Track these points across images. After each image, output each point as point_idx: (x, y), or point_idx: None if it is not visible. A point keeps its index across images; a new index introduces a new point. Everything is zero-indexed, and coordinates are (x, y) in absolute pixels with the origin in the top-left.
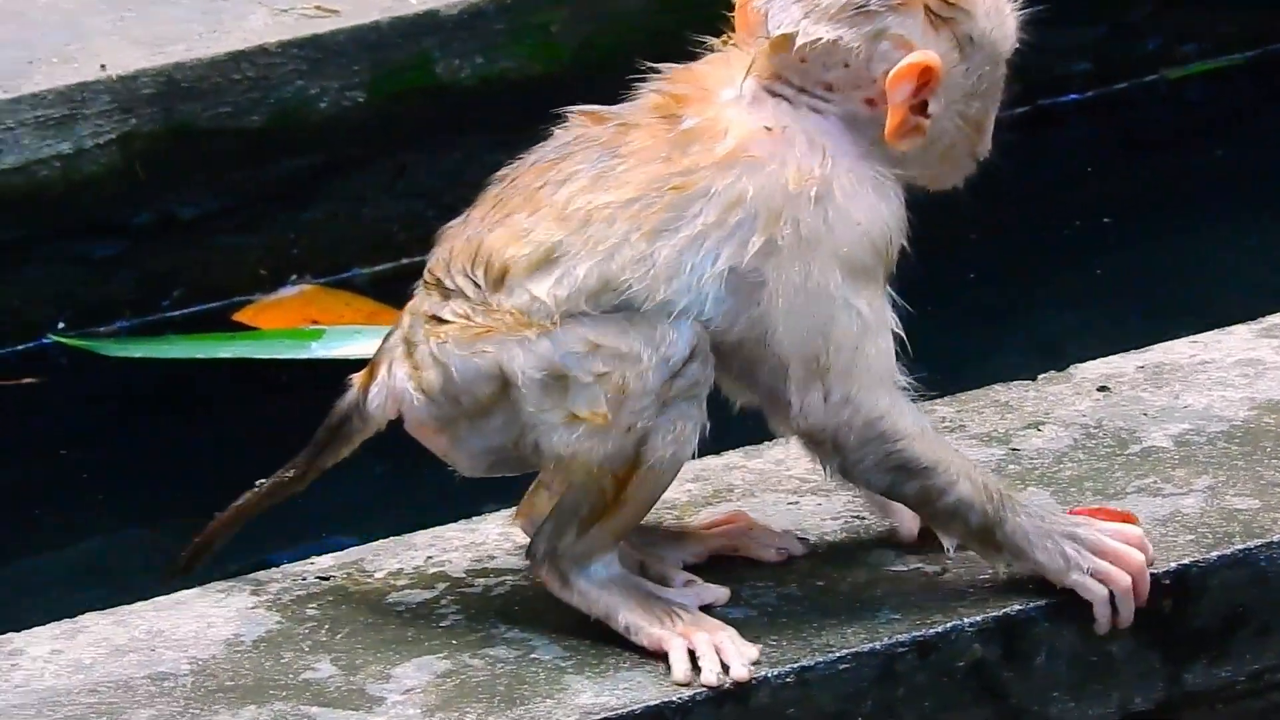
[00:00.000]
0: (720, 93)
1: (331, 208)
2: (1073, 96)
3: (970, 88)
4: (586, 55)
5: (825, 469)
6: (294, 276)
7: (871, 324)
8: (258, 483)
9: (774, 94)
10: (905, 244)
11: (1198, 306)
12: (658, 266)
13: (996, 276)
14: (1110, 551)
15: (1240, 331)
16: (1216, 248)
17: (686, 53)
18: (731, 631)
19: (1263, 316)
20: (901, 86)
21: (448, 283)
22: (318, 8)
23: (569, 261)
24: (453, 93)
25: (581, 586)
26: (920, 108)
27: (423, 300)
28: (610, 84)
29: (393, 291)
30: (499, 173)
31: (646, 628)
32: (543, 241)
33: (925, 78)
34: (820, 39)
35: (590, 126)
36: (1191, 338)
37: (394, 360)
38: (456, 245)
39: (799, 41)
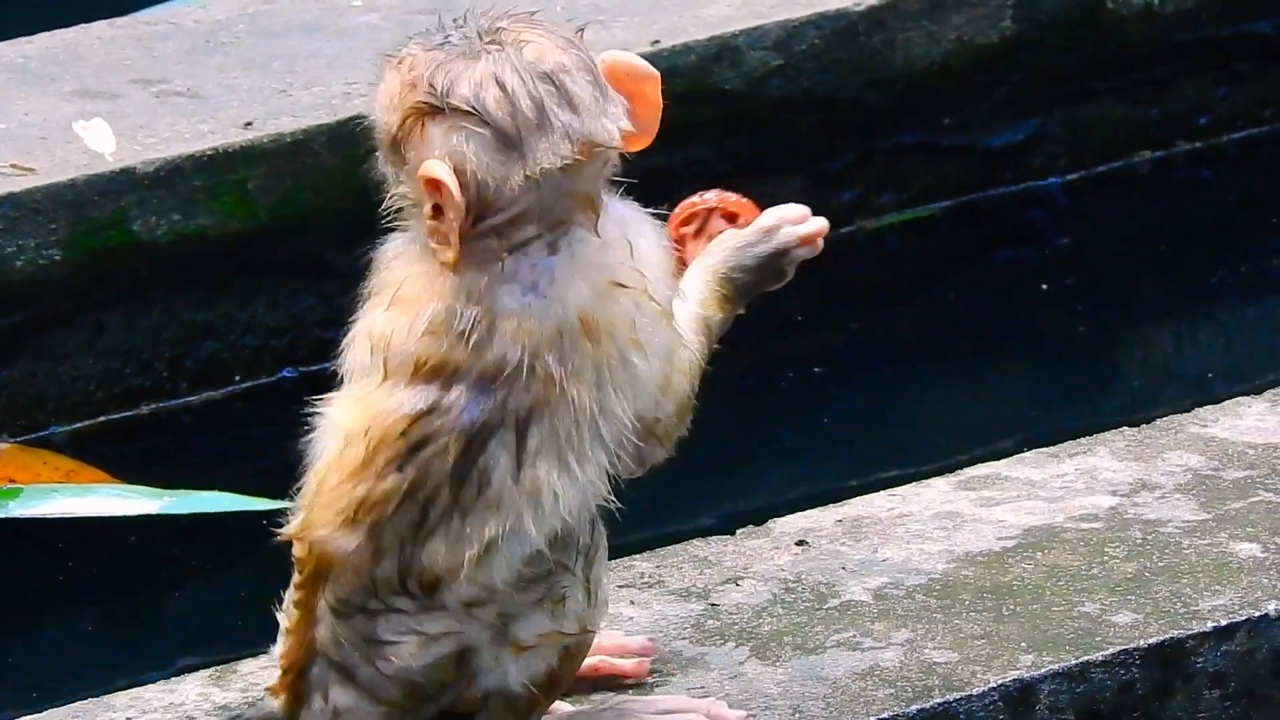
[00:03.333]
0: None
1: (30, 366)
2: None
3: None
4: (284, 211)
5: None
6: None
7: None
8: None
9: None
10: None
11: (895, 459)
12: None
13: (694, 430)
14: None
15: (938, 484)
16: (913, 399)
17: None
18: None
19: (960, 469)
20: None
21: (372, 605)
22: (13, 165)
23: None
24: (151, 250)
25: None
26: None
27: (334, 630)
28: (307, 240)
29: (91, 450)
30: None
31: None
32: (487, 540)
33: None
34: None
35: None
36: (889, 490)
37: (329, 687)
38: (360, 575)
39: None
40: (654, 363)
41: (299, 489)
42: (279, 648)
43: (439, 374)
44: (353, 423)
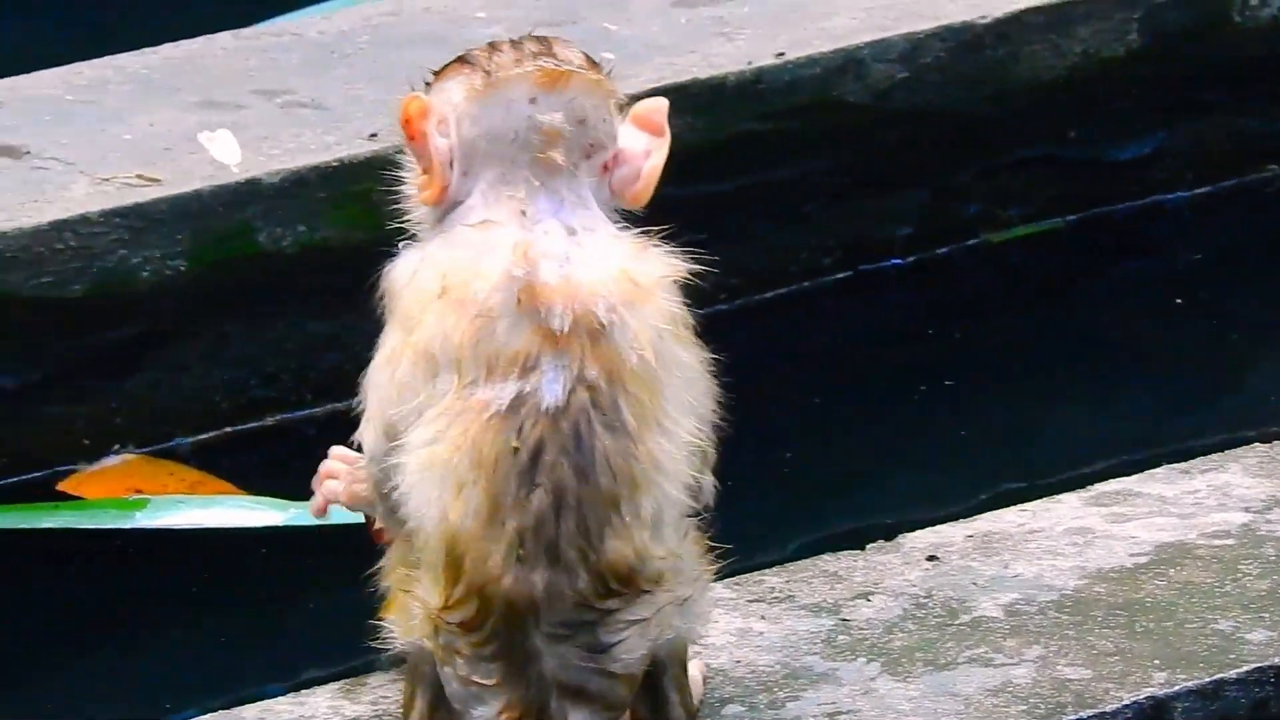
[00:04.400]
0: None
1: (154, 377)
2: (895, 261)
3: None
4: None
5: None
6: (116, 446)
7: None
8: None
9: None
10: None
11: (1025, 473)
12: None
13: (823, 444)
14: None
15: (1069, 499)
16: (1042, 413)
17: None
18: None
19: (1091, 484)
20: None
21: (588, 617)
22: (139, 176)
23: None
24: (275, 261)
25: None
26: None
27: (559, 657)
28: None
29: (215, 461)
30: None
31: None
32: (647, 517)
33: None
34: None
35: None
36: (1020, 506)
37: (567, 715)
38: (565, 596)
39: None
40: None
41: (418, 559)
42: (491, 706)
43: (514, 361)
44: (451, 455)
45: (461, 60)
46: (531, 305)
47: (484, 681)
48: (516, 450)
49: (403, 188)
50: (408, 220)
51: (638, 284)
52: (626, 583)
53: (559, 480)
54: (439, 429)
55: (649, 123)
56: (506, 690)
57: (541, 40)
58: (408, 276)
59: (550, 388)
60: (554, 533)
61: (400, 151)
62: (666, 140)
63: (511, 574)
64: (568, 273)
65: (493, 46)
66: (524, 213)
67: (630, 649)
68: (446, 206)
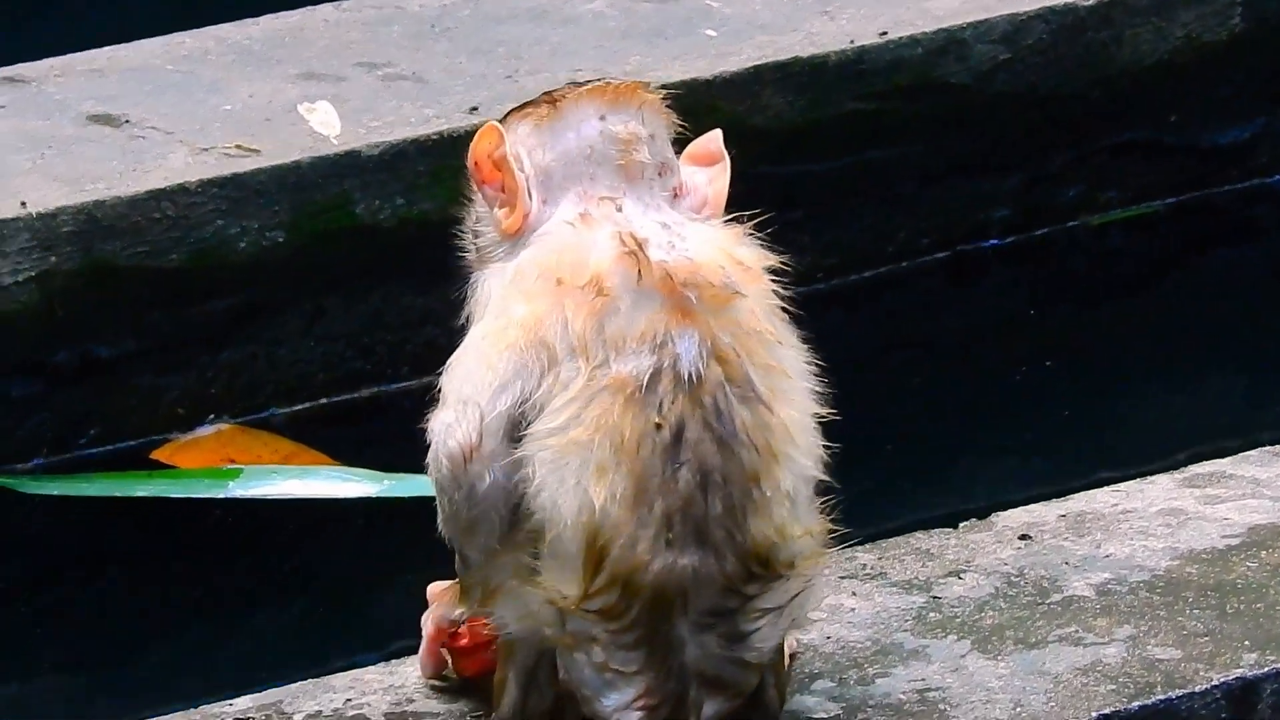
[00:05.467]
0: None
1: (250, 348)
2: (993, 243)
3: None
4: None
5: None
6: (211, 416)
7: None
8: None
9: None
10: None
11: (1119, 455)
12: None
13: (918, 423)
14: None
15: (1162, 481)
16: (1136, 395)
17: None
18: None
19: (1184, 466)
20: None
21: (731, 604)
22: (238, 146)
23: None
24: (373, 234)
25: None
26: None
27: (702, 647)
28: None
29: (310, 433)
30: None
31: None
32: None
33: None
34: None
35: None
36: (1113, 487)
37: (703, 705)
38: (714, 580)
39: None
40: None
41: (555, 550)
42: (626, 694)
43: (643, 339)
44: (590, 439)
45: (520, 106)
46: (652, 282)
47: (622, 669)
48: (659, 427)
49: (474, 229)
50: (481, 260)
51: (745, 265)
52: (766, 565)
53: (703, 457)
54: (571, 414)
55: (705, 155)
56: (645, 678)
57: (596, 79)
58: (508, 280)
59: (687, 360)
60: (702, 512)
61: (468, 194)
62: (726, 163)
63: (660, 560)
64: (678, 252)
65: (549, 92)
66: (619, 208)
67: (765, 638)
68: (526, 234)
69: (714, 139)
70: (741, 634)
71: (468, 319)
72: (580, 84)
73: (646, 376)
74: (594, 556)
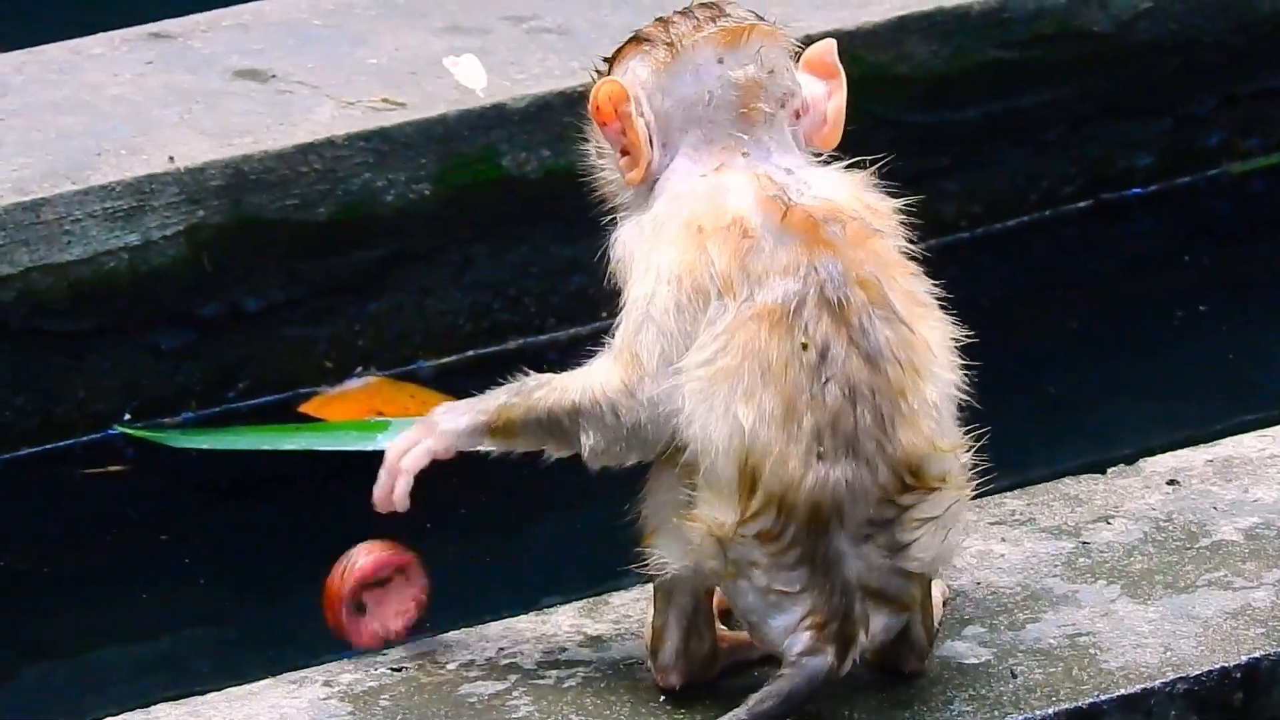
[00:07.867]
0: None
1: (397, 300)
2: (1136, 190)
3: None
4: None
5: None
6: (359, 369)
7: None
8: None
9: None
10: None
11: (1266, 400)
12: None
13: (1064, 370)
14: None
15: None
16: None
17: None
18: None
19: None
20: None
21: (888, 514)
22: (385, 100)
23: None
24: (519, 185)
25: None
26: None
27: (864, 558)
28: None
29: (456, 384)
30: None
31: None
32: (933, 404)
33: None
34: None
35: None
36: (1260, 431)
37: (870, 618)
38: (869, 492)
39: None
40: None
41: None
42: (793, 614)
43: (787, 271)
44: (739, 365)
45: (636, 39)
46: (794, 220)
47: (786, 589)
48: (805, 347)
49: (599, 175)
50: (608, 204)
51: (873, 208)
52: (918, 476)
53: (850, 373)
54: (719, 346)
55: (822, 65)
56: (810, 596)
57: (709, 5)
58: (648, 232)
59: (832, 283)
60: (852, 425)
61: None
62: (843, 79)
63: (813, 474)
64: (814, 193)
65: (663, 20)
66: (745, 155)
67: (924, 548)
68: (649, 181)
69: (829, 50)
70: (901, 544)
71: (611, 277)
72: (690, 13)
73: (794, 302)
74: (747, 479)
